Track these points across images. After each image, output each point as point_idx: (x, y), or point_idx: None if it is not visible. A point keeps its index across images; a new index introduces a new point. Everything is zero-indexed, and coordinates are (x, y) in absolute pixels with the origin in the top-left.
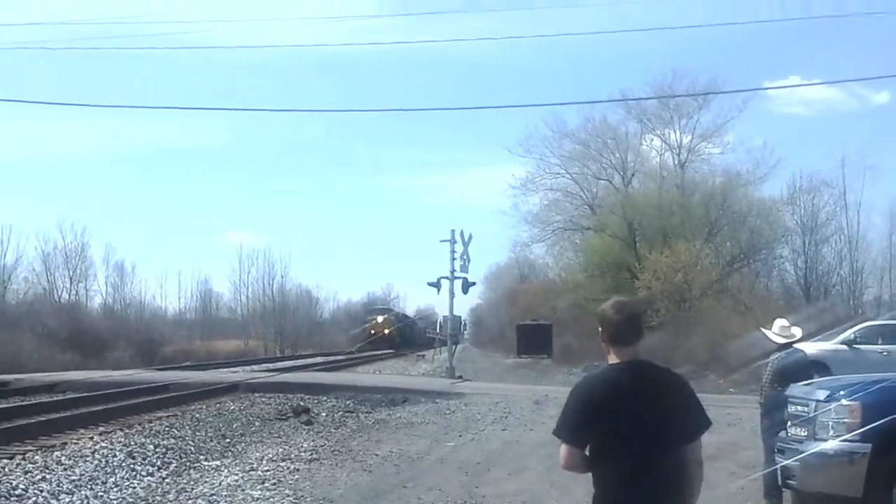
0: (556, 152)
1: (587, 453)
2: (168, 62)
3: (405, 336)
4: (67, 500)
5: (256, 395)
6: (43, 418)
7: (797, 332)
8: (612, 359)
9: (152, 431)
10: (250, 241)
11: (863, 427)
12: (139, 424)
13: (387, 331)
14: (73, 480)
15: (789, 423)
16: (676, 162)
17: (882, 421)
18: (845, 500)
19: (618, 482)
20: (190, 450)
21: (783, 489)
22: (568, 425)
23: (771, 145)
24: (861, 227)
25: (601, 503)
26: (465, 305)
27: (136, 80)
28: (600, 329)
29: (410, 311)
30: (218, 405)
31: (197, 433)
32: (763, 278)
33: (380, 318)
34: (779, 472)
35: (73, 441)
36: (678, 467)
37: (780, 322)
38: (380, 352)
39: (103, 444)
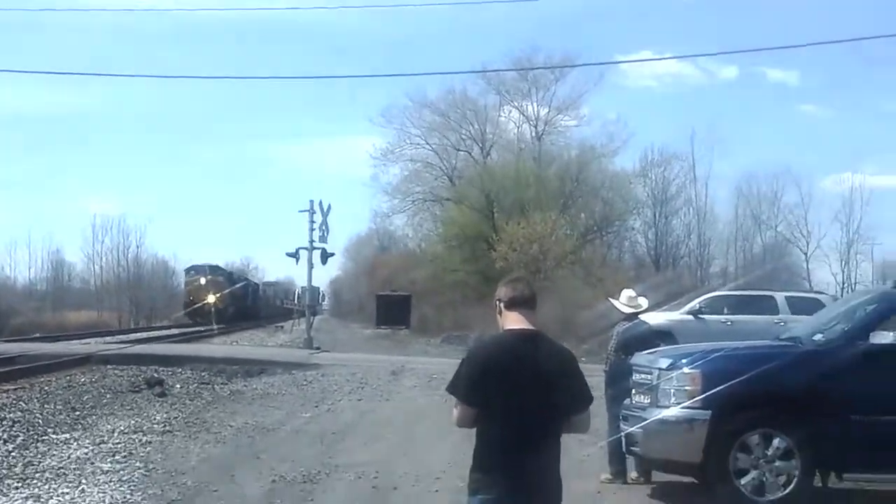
0: (416, 123)
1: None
2: (26, 25)
3: (242, 305)
4: None
5: (109, 367)
6: None
7: (643, 302)
8: (510, 325)
9: None
10: (105, 210)
11: (703, 394)
12: None
13: (212, 297)
14: None
15: (633, 391)
16: (534, 134)
17: (721, 388)
18: (686, 465)
19: (499, 447)
20: (38, 423)
21: (627, 455)
22: (462, 384)
23: (624, 119)
24: (709, 199)
25: (480, 466)
26: (324, 276)
27: None
28: (496, 300)
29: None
30: (68, 378)
31: (45, 406)
32: (615, 249)
33: (203, 280)
34: (623, 439)
35: None
36: (555, 437)
37: (627, 292)
38: (202, 328)
39: None
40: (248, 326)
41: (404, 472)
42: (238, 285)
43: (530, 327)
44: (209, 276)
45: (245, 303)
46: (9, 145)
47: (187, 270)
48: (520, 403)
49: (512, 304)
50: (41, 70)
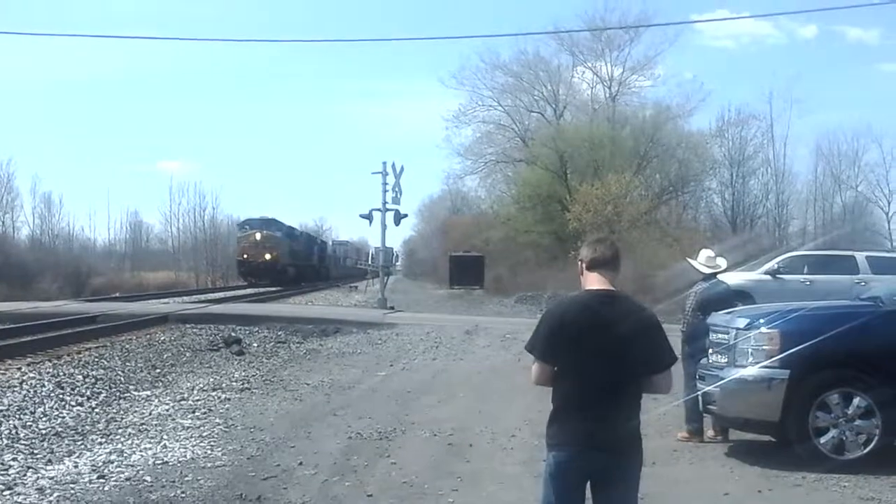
0: (488, 84)
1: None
2: None
3: (307, 264)
4: None
5: (187, 326)
6: None
7: (722, 262)
8: (590, 285)
9: (81, 362)
10: (182, 172)
11: (781, 354)
12: (68, 355)
13: (269, 255)
14: (1, 410)
15: (710, 351)
16: (607, 95)
17: (800, 347)
18: (764, 424)
19: (576, 404)
20: (119, 380)
21: (704, 414)
22: (540, 342)
23: (700, 79)
24: (787, 159)
25: (557, 421)
26: (398, 238)
27: (64, 7)
28: (579, 259)
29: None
30: (148, 336)
31: (127, 364)
32: (691, 210)
33: (258, 236)
34: (700, 397)
35: (1, 371)
36: (633, 396)
37: (706, 253)
38: (261, 290)
39: (31, 375)
40: (321, 287)
41: (479, 429)
42: (300, 242)
43: (609, 288)
44: (264, 232)
45: (310, 262)
46: (87, 109)
47: (241, 225)
48: (595, 362)
49: (592, 265)
50: (115, 34)
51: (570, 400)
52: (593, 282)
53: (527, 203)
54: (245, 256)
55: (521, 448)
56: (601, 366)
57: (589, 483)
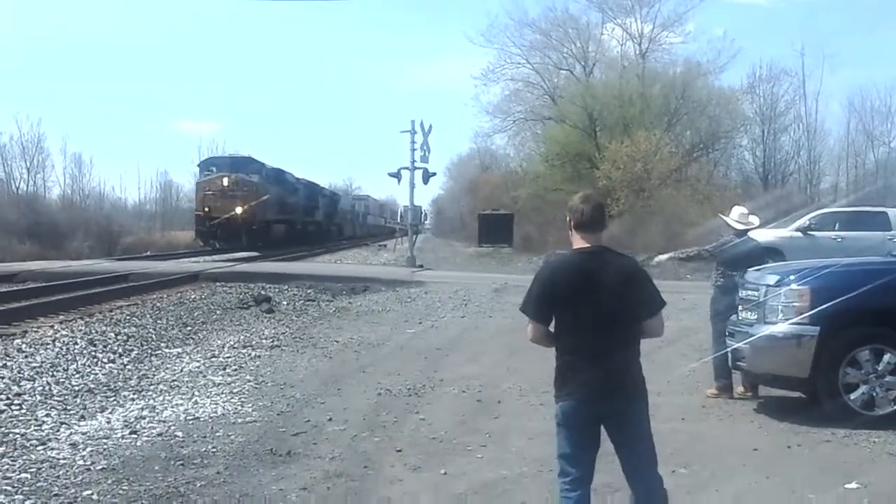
0: (517, 42)
1: (552, 329)
2: None
3: (304, 221)
4: (28, 386)
5: (218, 284)
6: (2, 308)
7: (755, 220)
8: (577, 244)
9: (113, 320)
10: (210, 131)
11: (811, 310)
12: (100, 313)
13: (240, 208)
14: (34, 367)
15: (740, 307)
16: (637, 52)
17: (829, 304)
18: (793, 380)
19: (575, 356)
20: (151, 337)
21: (733, 371)
22: (532, 303)
23: (731, 35)
24: (819, 115)
25: (560, 375)
26: (426, 196)
27: None
28: (567, 218)
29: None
30: (179, 294)
31: (158, 321)
32: (722, 167)
33: (225, 181)
34: (729, 354)
35: (34, 329)
36: (628, 343)
37: (738, 209)
38: (223, 256)
39: (64, 333)
40: (346, 246)
41: (508, 386)
42: (295, 192)
43: (595, 245)
44: (234, 176)
45: (312, 218)
46: (113, 70)
47: (202, 166)
48: (590, 315)
49: (579, 227)
50: None
51: (570, 353)
52: (580, 240)
53: (555, 161)
54: (206, 210)
55: (549, 404)
56: (596, 318)
57: (602, 427)
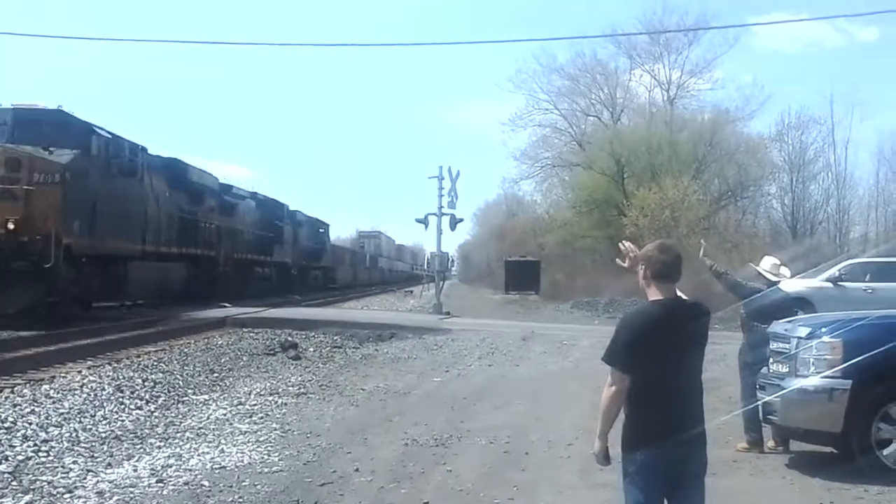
0: (545, 88)
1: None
2: None
3: (223, 259)
4: (56, 432)
5: (244, 330)
6: (31, 352)
7: (786, 271)
8: (653, 294)
9: (140, 366)
10: (239, 175)
11: (844, 364)
12: (127, 359)
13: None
14: (62, 413)
15: (771, 360)
16: (665, 98)
17: (862, 357)
18: (825, 435)
19: (658, 405)
20: (178, 384)
21: (763, 424)
22: (620, 352)
23: (760, 82)
24: (849, 164)
25: (638, 425)
26: (453, 242)
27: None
28: (643, 267)
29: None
30: (206, 340)
31: (185, 368)
32: (750, 215)
33: None
34: (760, 407)
35: (62, 375)
36: (700, 386)
37: (770, 260)
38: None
39: (91, 378)
40: (375, 292)
41: (536, 437)
42: (216, 208)
43: (675, 295)
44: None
45: (266, 257)
46: (148, 114)
47: None
48: (677, 363)
49: (657, 276)
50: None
51: (651, 402)
52: (657, 291)
53: (583, 207)
54: None
55: (577, 457)
56: (681, 367)
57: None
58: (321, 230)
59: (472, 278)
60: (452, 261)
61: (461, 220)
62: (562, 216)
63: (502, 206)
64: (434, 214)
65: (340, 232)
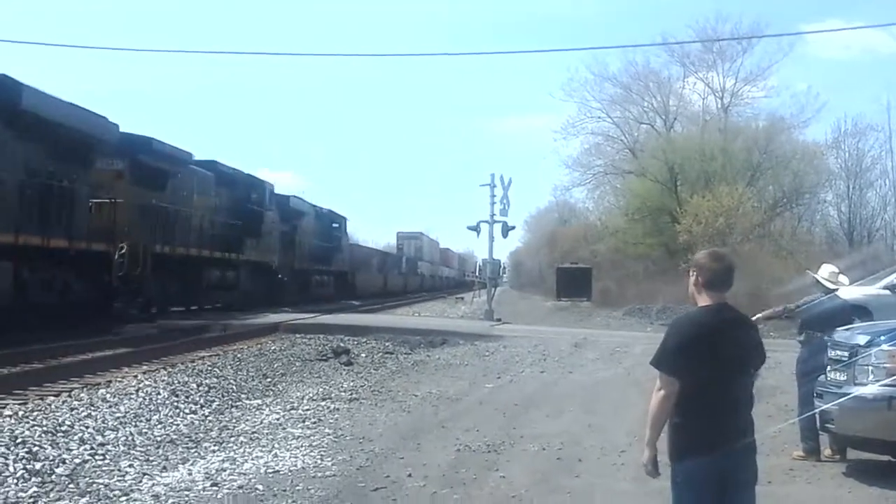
0: (597, 96)
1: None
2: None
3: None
4: (112, 435)
5: (297, 335)
6: (87, 357)
7: (844, 279)
8: (703, 301)
9: (195, 370)
10: (288, 183)
11: None
12: (182, 363)
13: None
14: (118, 417)
15: (828, 368)
16: (719, 106)
17: None
18: (883, 443)
19: (707, 412)
20: (232, 388)
21: (820, 432)
22: (670, 356)
23: (815, 89)
24: None
25: (686, 432)
26: (505, 249)
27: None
28: (695, 274)
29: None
30: (259, 345)
31: (239, 373)
32: (805, 223)
33: None
34: (817, 415)
35: (118, 379)
36: (750, 396)
37: (828, 267)
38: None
39: (147, 383)
40: (425, 298)
41: (589, 444)
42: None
43: (724, 302)
44: None
45: (236, 255)
46: (194, 118)
47: None
48: (727, 371)
49: (709, 285)
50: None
51: (700, 410)
52: (707, 298)
53: (635, 215)
54: None
55: (631, 464)
56: (731, 374)
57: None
58: (335, 224)
59: (523, 285)
60: (504, 268)
61: (513, 228)
62: (614, 223)
63: (554, 213)
64: (486, 222)
65: (391, 240)
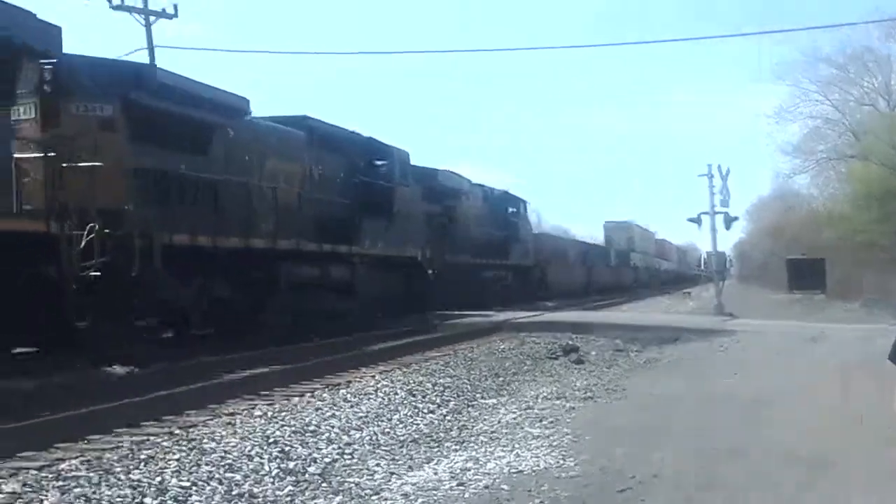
0: (811, 78)
1: None
2: None
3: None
4: (357, 435)
5: (523, 334)
6: (328, 358)
7: None
8: None
9: (428, 370)
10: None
11: None
12: (415, 364)
13: None
14: (360, 416)
15: None
16: None
17: None
18: None
19: None
20: (466, 388)
21: None
22: None
23: None
24: None
25: None
26: (728, 241)
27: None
28: None
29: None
30: (488, 345)
31: (471, 372)
32: None
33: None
34: None
35: (357, 379)
36: None
37: None
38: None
39: (384, 383)
40: (655, 292)
41: (839, 447)
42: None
43: None
44: None
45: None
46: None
47: None
48: None
49: None
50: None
51: None
52: None
53: (861, 202)
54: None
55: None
56: None
57: None
58: (511, 209)
59: (748, 277)
60: (730, 260)
61: (736, 219)
62: (840, 211)
63: (777, 201)
64: (706, 213)
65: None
